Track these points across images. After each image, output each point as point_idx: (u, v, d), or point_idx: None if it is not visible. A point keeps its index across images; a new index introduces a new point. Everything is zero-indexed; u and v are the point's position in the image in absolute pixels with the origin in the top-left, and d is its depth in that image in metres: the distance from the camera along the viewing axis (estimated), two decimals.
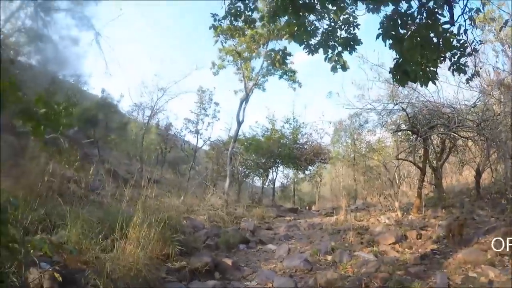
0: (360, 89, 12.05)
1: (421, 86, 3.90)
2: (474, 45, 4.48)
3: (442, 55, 3.86)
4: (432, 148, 10.57)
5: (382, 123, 11.08)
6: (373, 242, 6.92)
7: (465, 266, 5.15)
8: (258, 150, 17.29)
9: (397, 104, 9.53)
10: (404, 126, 10.44)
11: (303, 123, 19.41)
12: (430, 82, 3.91)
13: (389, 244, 6.68)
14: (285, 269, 5.83)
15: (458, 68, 4.01)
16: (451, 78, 12.90)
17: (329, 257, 6.22)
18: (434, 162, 10.81)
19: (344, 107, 11.13)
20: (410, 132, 10.35)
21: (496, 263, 5.07)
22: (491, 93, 9.70)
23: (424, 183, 10.61)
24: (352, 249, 6.58)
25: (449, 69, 4.09)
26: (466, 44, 4.20)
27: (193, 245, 6.25)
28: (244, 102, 14.60)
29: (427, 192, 11.64)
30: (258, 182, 20.07)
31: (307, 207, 21.74)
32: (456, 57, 4.06)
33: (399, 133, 11.66)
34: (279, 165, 19.67)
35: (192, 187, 12.84)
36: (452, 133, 8.76)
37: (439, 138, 10.36)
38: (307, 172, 22.11)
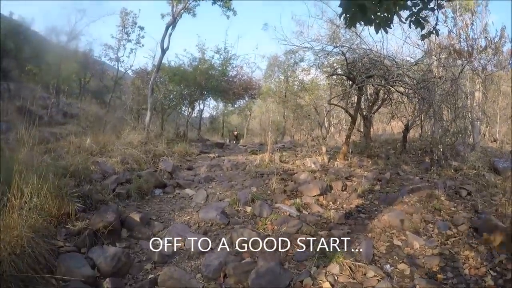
0: (299, 25, 11.32)
1: (374, 27, 3.26)
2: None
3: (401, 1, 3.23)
4: (366, 97, 10.37)
5: (318, 64, 10.51)
6: (297, 192, 6.63)
7: (390, 231, 5.03)
8: (183, 81, 15.83)
9: (337, 47, 8.92)
10: (340, 70, 10.00)
11: (235, 54, 18.22)
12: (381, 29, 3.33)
13: (314, 196, 6.41)
14: (201, 222, 5.34)
15: (417, 21, 3.40)
16: (397, 31, 12.60)
17: (249, 209, 5.79)
18: (365, 110, 10.72)
19: (279, 42, 10.42)
20: (345, 78, 9.94)
21: (420, 231, 5.02)
22: (439, 55, 9.46)
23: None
24: (274, 200, 6.23)
25: (406, 20, 3.46)
26: None
27: (99, 198, 5.41)
28: (171, 28, 12.94)
29: (355, 139, 11.70)
30: (186, 113, 19.04)
31: (234, 141, 21.64)
32: (417, 8, 3.42)
33: (334, 77, 11.28)
34: (207, 97, 18.63)
35: (110, 122, 11.53)
36: (390, 86, 8.48)
37: (374, 88, 10.13)
38: (236, 106, 21.63)
